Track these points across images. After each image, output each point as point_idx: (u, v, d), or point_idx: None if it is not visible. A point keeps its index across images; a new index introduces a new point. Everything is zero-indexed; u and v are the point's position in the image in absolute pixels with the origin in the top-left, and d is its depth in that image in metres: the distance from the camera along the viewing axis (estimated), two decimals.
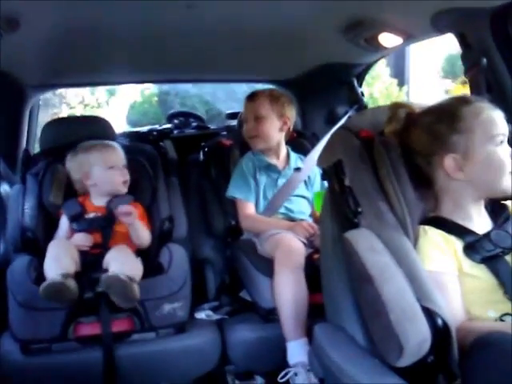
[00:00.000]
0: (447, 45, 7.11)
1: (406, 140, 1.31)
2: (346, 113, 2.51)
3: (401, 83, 6.64)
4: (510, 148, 1.25)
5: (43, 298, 1.61)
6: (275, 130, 2.22)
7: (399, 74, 6.74)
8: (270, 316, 1.84)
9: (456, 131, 1.24)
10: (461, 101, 1.28)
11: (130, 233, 1.97)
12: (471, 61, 1.76)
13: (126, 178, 2.06)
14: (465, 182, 1.25)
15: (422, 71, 7.47)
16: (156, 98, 9.25)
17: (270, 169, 2.23)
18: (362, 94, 2.53)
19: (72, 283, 1.64)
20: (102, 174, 2.03)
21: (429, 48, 6.71)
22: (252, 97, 2.25)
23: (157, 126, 3.28)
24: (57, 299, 1.63)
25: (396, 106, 1.36)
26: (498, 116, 1.25)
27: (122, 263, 1.75)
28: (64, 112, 7.83)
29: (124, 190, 2.05)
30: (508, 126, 1.27)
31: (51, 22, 1.85)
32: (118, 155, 2.08)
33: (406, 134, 1.31)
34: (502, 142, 1.24)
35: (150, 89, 9.22)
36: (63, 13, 1.80)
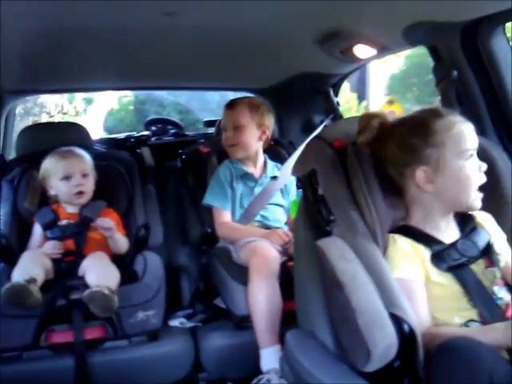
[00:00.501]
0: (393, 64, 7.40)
1: (379, 150, 1.33)
2: (321, 122, 2.55)
3: (361, 98, 6.78)
4: (478, 162, 1.27)
5: (4, 301, 1.60)
6: (254, 139, 2.23)
7: (360, 89, 6.89)
8: (244, 323, 1.85)
9: (428, 144, 1.25)
10: (433, 113, 1.29)
11: (109, 242, 1.96)
12: (442, 73, 1.80)
13: (81, 188, 2.01)
14: (434, 194, 1.27)
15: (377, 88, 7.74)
16: (132, 107, 9.31)
17: (246, 177, 2.24)
18: (338, 104, 2.57)
19: (35, 288, 1.63)
20: (57, 184, 2.02)
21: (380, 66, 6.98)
22: (231, 105, 2.24)
23: (134, 133, 3.27)
24: (17, 303, 1.61)
25: (369, 116, 1.37)
26: (468, 130, 1.27)
27: (100, 273, 1.75)
28: (44, 120, 7.82)
29: (79, 201, 2.01)
30: (478, 138, 1.30)
31: (29, 27, 1.84)
32: (77, 164, 2.03)
33: (379, 145, 1.32)
34: (471, 155, 1.26)
35: (128, 96, 9.27)
36: (41, 19, 1.79)
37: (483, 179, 1.27)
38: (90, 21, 1.87)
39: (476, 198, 1.26)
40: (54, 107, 8.16)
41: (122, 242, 2.00)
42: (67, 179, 2.00)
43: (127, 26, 1.94)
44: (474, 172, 1.26)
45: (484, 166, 1.27)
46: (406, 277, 1.22)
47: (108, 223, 1.94)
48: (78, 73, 2.51)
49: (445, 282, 1.23)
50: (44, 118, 8.02)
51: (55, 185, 2.02)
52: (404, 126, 1.31)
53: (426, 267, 1.24)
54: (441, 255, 1.25)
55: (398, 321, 1.10)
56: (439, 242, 1.27)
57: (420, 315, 1.18)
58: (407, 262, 1.23)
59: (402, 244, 1.26)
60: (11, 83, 2.50)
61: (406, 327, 1.10)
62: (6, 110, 2.69)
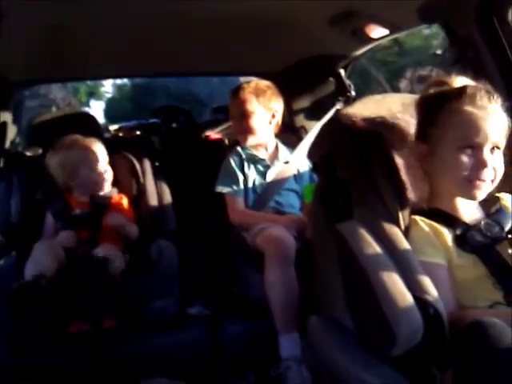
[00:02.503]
0: None
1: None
2: (333, 105, 2.51)
3: None
4: (485, 157, 1.19)
5: (13, 301, 1.60)
6: (264, 124, 2.20)
7: None
8: (261, 310, 1.84)
9: (433, 123, 1.22)
10: (456, 93, 1.22)
11: (121, 233, 1.96)
12: (457, 52, 1.76)
13: (109, 177, 2.03)
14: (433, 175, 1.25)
15: None
16: (131, 94, 9.46)
17: (258, 162, 2.22)
18: (350, 86, 2.52)
19: (44, 283, 1.63)
20: (88, 175, 2.01)
21: None
22: (237, 92, 2.20)
23: (144, 121, 3.25)
24: (27, 301, 1.61)
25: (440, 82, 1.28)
26: (481, 121, 1.18)
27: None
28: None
29: (107, 189, 2.03)
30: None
31: (36, 15, 1.82)
32: (101, 154, 2.04)
33: None
34: (472, 148, 1.19)
35: (128, 86, 9.39)
36: (48, 7, 1.77)
37: (485, 175, 1.20)
38: (98, 9, 1.85)
39: (470, 190, 1.21)
40: (61, 101, 8.28)
41: (132, 231, 1.99)
42: (97, 169, 2.01)
43: (136, 13, 1.92)
44: (466, 166, 1.19)
45: (491, 161, 1.19)
46: (429, 259, 1.19)
47: (118, 220, 1.93)
48: (85, 60, 2.49)
49: (469, 263, 1.20)
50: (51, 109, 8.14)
51: (84, 175, 2.01)
52: (429, 97, 1.27)
53: (449, 249, 1.21)
54: (464, 236, 1.21)
55: (422, 304, 1.08)
56: (462, 223, 1.24)
57: (445, 298, 1.15)
58: (430, 245, 1.20)
59: (424, 226, 1.22)
60: (19, 73, 2.48)
61: (431, 310, 1.08)
62: (14, 100, 2.66)
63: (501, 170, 1.23)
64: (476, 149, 1.20)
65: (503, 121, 1.23)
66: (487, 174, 1.20)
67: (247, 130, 2.19)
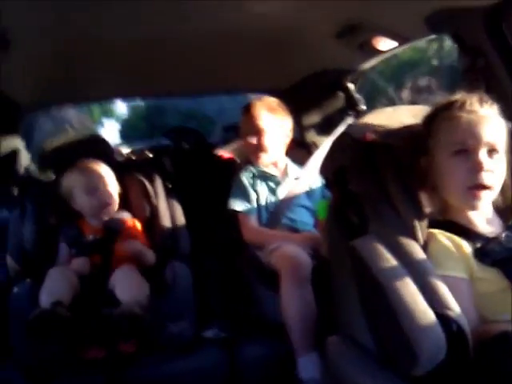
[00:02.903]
0: None
1: None
2: (343, 119, 2.48)
3: None
4: (481, 159, 1.16)
5: (33, 329, 1.58)
6: (277, 141, 2.19)
7: None
8: (279, 332, 1.80)
9: (429, 133, 1.23)
10: (453, 103, 1.23)
11: (138, 259, 1.94)
12: (468, 61, 1.74)
13: (106, 201, 2.00)
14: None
15: None
16: (144, 114, 9.67)
17: (269, 179, 2.20)
18: (360, 100, 2.50)
19: (62, 310, 1.61)
20: (82, 199, 2.00)
21: None
22: (249, 109, 2.19)
23: (155, 143, 3.26)
24: (48, 328, 1.59)
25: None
26: (471, 124, 1.18)
27: (129, 287, 1.73)
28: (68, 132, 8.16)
29: (106, 215, 2.00)
30: (508, 124, 1.23)
31: (44, 39, 1.83)
32: (102, 176, 2.02)
33: None
34: (465, 152, 1.17)
35: (141, 106, 9.59)
36: (56, 31, 1.78)
37: (483, 179, 1.17)
38: (108, 31, 1.86)
39: (469, 199, 1.19)
40: (77, 122, 8.44)
41: (149, 257, 1.97)
42: (91, 193, 1.98)
43: (142, 35, 1.92)
44: (463, 171, 1.17)
45: (488, 165, 1.16)
46: (450, 274, 1.15)
47: (135, 247, 1.92)
48: (94, 82, 2.50)
49: (491, 277, 1.17)
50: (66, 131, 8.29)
51: (79, 199, 2.00)
52: (428, 112, 1.28)
53: (469, 262, 1.18)
54: (484, 249, 1.18)
55: (445, 321, 1.04)
56: (481, 236, 1.21)
57: (468, 313, 1.11)
58: (450, 258, 1.17)
59: (443, 239, 1.19)
60: (28, 96, 2.49)
61: (454, 327, 1.04)
62: (24, 123, 2.68)
63: (502, 173, 1.20)
64: (470, 152, 1.18)
65: (499, 124, 1.22)
66: (485, 177, 1.17)
67: (261, 149, 2.17)
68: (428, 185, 1.25)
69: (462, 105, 1.21)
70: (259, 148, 2.17)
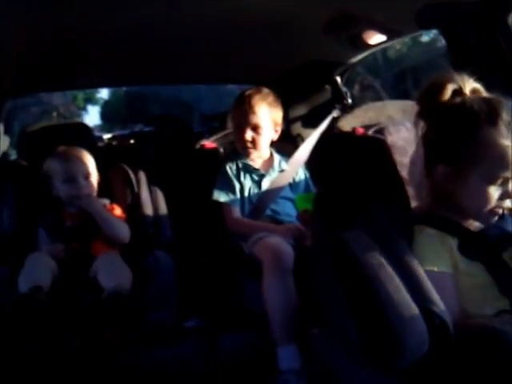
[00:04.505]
0: None
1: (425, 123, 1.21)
2: (329, 112, 2.48)
3: None
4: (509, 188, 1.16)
5: (14, 313, 1.56)
6: (269, 139, 2.18)
7: None
8: (259, 322, 1.80)
9: (460, 145, 1.15)
10: (489, 114, 1.14)
11: (101, 226, 1.91)
12: (457, 56, 1.75)
13: (86, 190, 1.97)
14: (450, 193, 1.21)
15: None
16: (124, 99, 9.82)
17: (253, 171, 2.19)
18: (346, 94, 2.50)
19: (42, 296, 1.60)
20: (59, 187, 1.98)
21: None
22: (247, 101, 2.11)
23: (138, 129, 3.23)
24: (27, 313, 1.57)
25: (445, 79, 1.19)
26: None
27: (114, 274, 1.72)
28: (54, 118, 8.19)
29: (86, 204, 1.96)
30: None
31: (27, 25, 1.79)
32: (79, 166, 1.98)
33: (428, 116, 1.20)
34: (501, 182, 1.15)
35: (121, 92, 9.72)
36: (39, 16, 1.74)
37: (504, 206, 1.19)
38: (90, 18, 1.82)
39: (489, 217, 1.20)
40: (62, 107, 8.42)
41: (116, 226, 1.95)
42: (69, 182, 1.96)
43: (128, 21, 1.89)
44: (493, 200, 1.17)
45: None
46: (434, 268, 1.16)
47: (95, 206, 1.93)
48: (78, 70, 2.46)
49: (474, 271, 1.18)
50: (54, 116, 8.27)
51: (57, 187, 1.98)
52: (458, 112, 1.18)
53: (454, 257, 1.18)
54: (469, 244, 1.19)
55: (428, 314, 1.05)
56: (466, 231, 1.21)
57: (451, 308, 1.12)
58: (435, 253, 1.18)
59: (428, 234, 1.20)
60: (10, 83, 2.45)
61: (437, 320, 1.05)
62: (6, 110, 2.63)
63: None
64: (505, 181, 1.17)
65: None
66: (509, 203, 1.19)
67: (254, 145, 2.15)
68: (441, 193, 1.22)
69: (505, 127, 1.13)
70: (253, 144, 2.15)
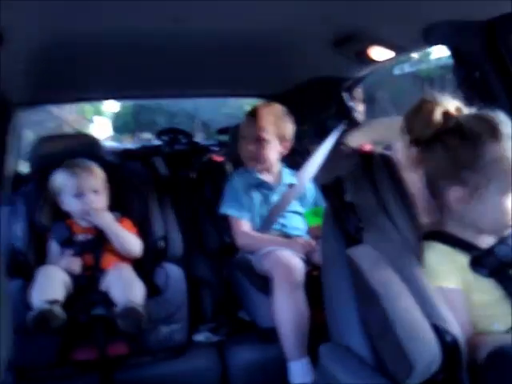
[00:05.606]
0: None
1: (423, 149, 1.20)
2: (336, 127, 2.50)
3: None
4: None
5: (32, 328, 1.56)
6: (275, 152, 2.19)
7: None
8: (270, 336, 1.81)
9: (472, 167, 1.15)
10: (492, 132, 1.15)
11: (113, 241, 1.92)
12: (463, 74, 1.76)
13: (96, 205, 1.97)
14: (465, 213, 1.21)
15: None
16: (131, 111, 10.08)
17: (262, 185, 2.20)
18: (353, 109, 2.52)
19: (59, 310, 1.60)
20: (69, 201, 1.98)
21: None
22: (257, 115, 2.15)
23: (146, 143, 3.25)
24: (45, 328, 1.58)
25: (431, 104, 1.19)
26: None
27: (126, 288, 1.72)
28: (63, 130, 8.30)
29: (96, 219, 1.97)
30: None
31: (36, 37, 1.82)
32: (88, 180, 1.99)
33: (426, 143, 1.19)
34: None
35: (128, 103, 9.91)
36: (49, 28, 1.76)
37: None
38: (99, 30, 1.85)
39: (503, 230, 1.21)
40: (70, 118, 8.50)
41: (128, 240, 1.96)
42: (78, 197, 1.96)
43: (138, 34, 1.92)
44: (510, 210, 1.17)
45: None
46: (445, 285, 1.17)
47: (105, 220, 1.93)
48: (87, 82, 2.49)
49: (485, 287, 1.18)
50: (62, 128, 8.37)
51: (67, 202, 1.99)
52: (457, 134, 1.18)
53: (464, 273, 1.19)
54: (479, 260, 1.20)
55: (439, 332, 1.05)
56: (475, 248, 1.22)
57: (462, 324, 1.13)
58: (445, 270, 1.19)
59: (438, 251, 1.21)
60: (20, 94, 2.47)
61: (448, 338, 1.05)
62: (16, 122, 2.66)
63: None
64: None
65: None
66: None
67: (260, 159, 2.16)
68: (453, 213, 1.22)
69: (506, 139, 1.15)
70: (259, 158, 2.17)
